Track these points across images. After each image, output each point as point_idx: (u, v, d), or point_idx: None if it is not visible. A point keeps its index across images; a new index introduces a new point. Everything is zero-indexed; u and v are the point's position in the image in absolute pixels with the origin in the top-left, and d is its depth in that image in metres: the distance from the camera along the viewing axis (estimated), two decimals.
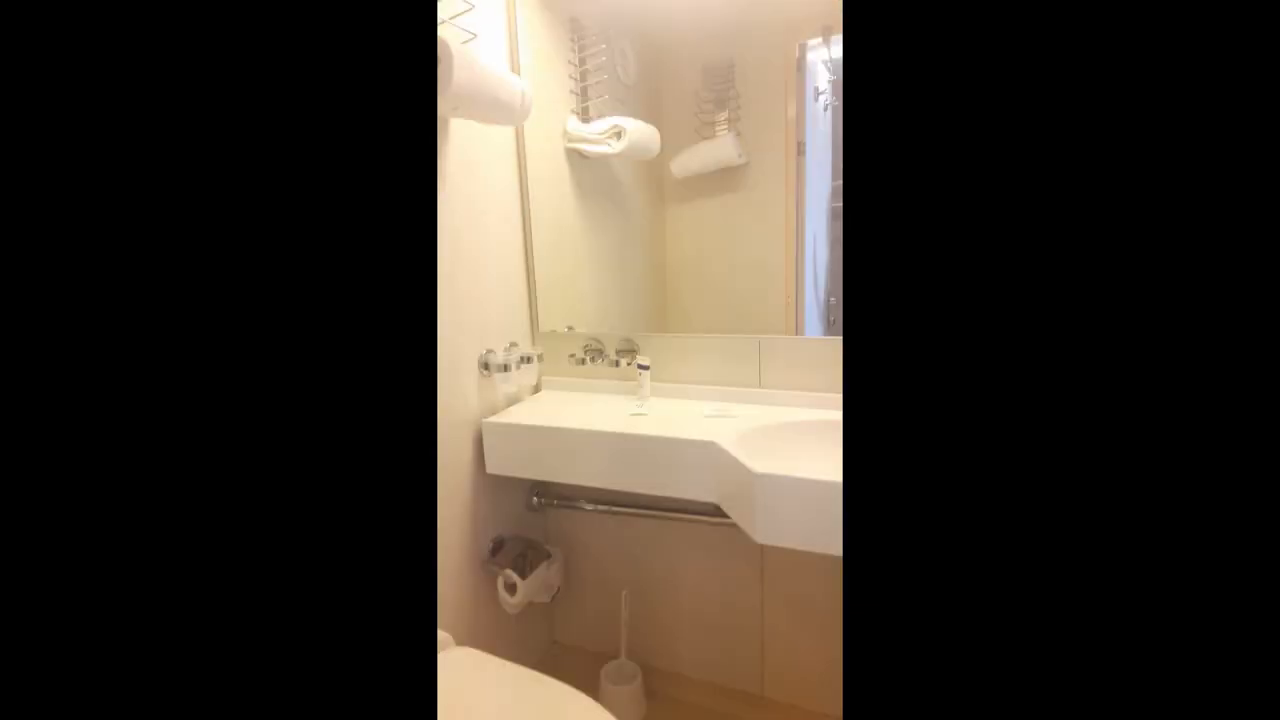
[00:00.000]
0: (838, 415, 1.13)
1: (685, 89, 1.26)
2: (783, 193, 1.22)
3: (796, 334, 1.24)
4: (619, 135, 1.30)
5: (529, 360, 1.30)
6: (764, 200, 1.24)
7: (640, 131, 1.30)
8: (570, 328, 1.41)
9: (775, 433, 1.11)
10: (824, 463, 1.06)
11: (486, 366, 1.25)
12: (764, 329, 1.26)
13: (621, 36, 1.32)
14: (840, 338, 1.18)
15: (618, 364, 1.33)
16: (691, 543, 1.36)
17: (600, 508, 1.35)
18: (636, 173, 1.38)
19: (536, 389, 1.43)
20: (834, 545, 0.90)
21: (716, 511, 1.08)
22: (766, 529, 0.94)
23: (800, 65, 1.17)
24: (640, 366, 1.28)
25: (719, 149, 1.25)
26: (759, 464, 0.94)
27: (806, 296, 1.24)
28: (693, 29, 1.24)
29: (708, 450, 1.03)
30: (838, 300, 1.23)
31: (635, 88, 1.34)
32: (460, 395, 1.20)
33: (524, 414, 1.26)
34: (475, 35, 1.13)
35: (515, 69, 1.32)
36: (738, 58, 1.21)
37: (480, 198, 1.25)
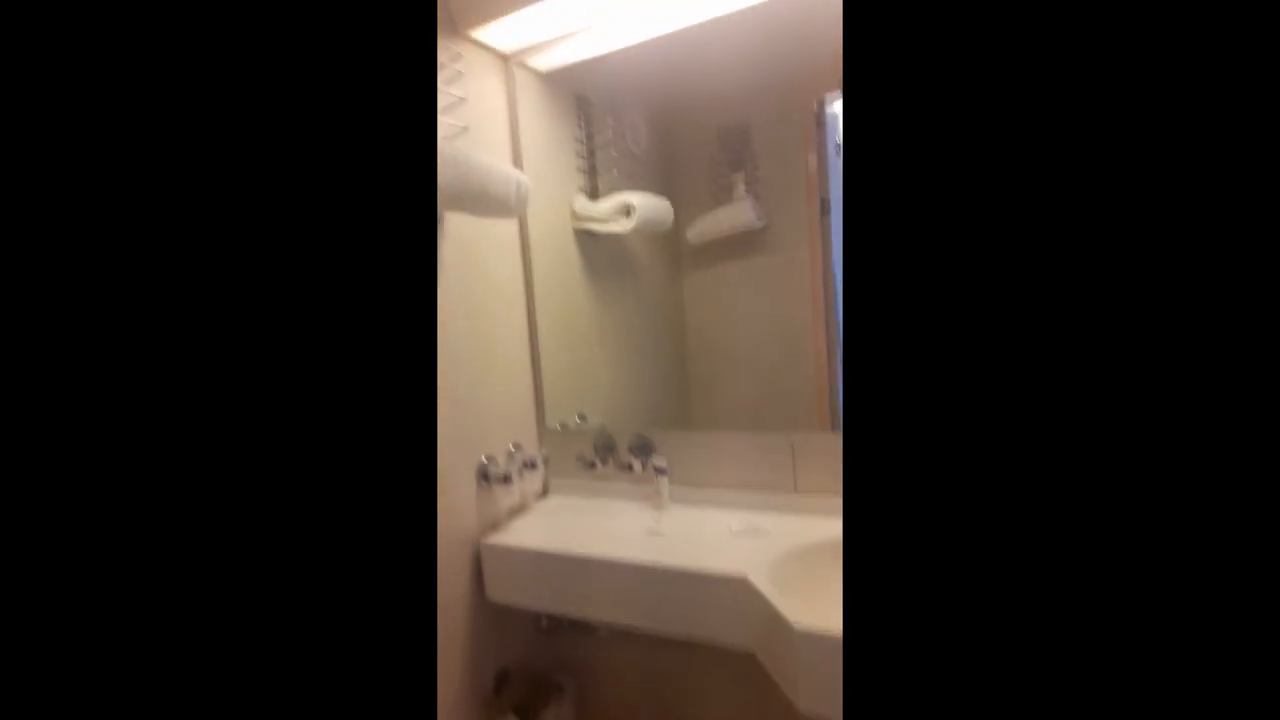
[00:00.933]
0: None
1: (699, 153, 1.15)
2: (808, 255, 1.08)
3: (833, 420, 1.06)
4: (628, 213, 1.18)
5: (533, 466, 1.15)
6: (788, 264, 1.10)
7: (650, 206, 1.18)
8: (582, 416, 1.26)
9: (816, 557, 0.93)
10: None
11: (486, 477, 1.10)
12: (796, 415, 1.09)
13: (630, 108, 1.22)
14: None
15: (631, 467, 1.16)
16: (725, 674, 1.15)
17: (619, 630, 1.16)
18: (651, 245, 1.25)
19: (544, 493, 1.27)
20: None
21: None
22: (812, 695, 0.75)
23: (820, 120, 1.06)
24: (657, 470, 1.11)
25: (737, 213, 1.13)
26: (800, 611, 0.75)
27: (840, 373, 1.08)
28: (705, 92, 1.14)
29: (738, 589, 0.85)
30: None
31: (647, 158, 1.22)
32: (456, 511, 1.05)
33: (528, 532, 1.10)
34: (465, 128, 1.04)
35: (516, 155, 1.23)
36: (753, 117, 1.10)
37: (480, 290, 1.13)
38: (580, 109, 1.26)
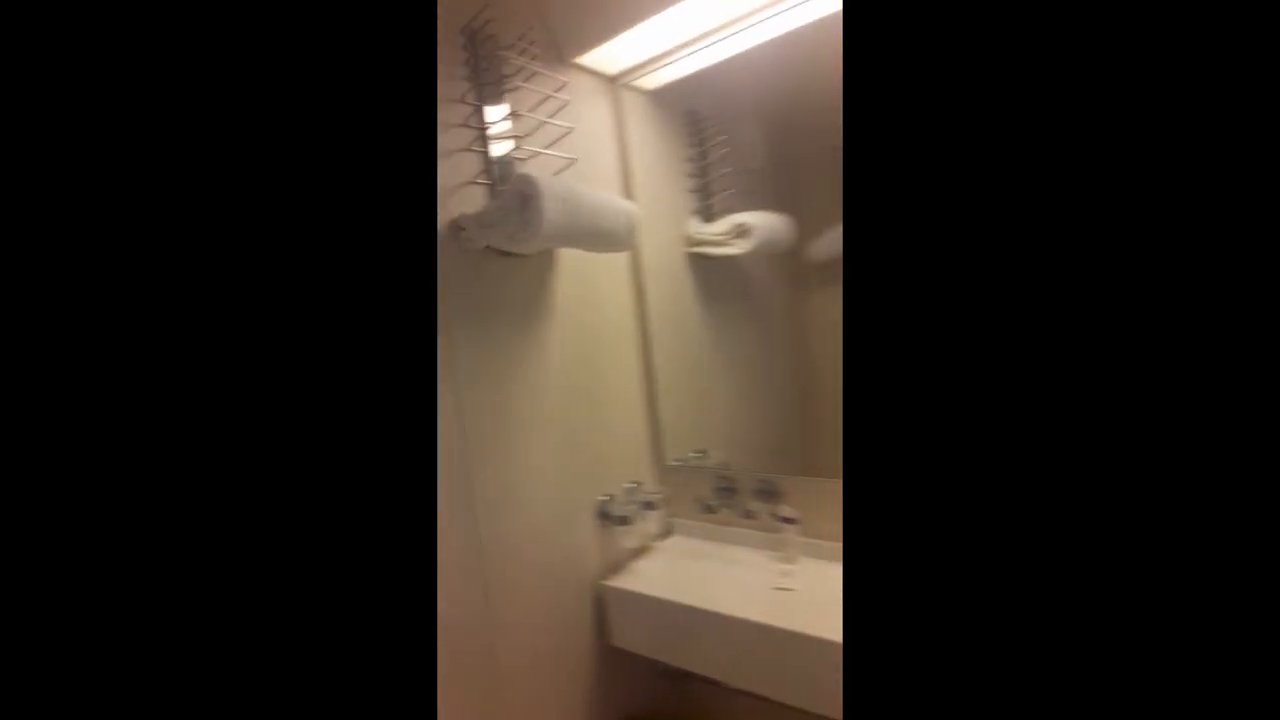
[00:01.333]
0: None
1: (822, 164, 1.04)
2: None
3: None
4: (744, 234, 1.09)
5: (651, 506, 1.10)
6: None
7: (767, 225, 1.08)
8: (702, 451, 1.19)
9: None
10: None
11: (605, 516, 1.07)
12: None
13: (745, 120, 1.13)
14: None
15: (754, 514, 1.07)
16: None
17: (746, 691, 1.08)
18: (771, 267, 1.15)
19: (665, 534, 1.21)
20: None
21: None
22: None
23: None
24: (785, 520, 1.01)
25: None
26: None
27: None
28: (825, 96, 1.02)
29: None
30: None
31: (764, 173, 1.12)
32: (577, 551, 1.03)
33: (649, 577, 1.05)
34: (574, 160, 1.00)
35: (626, 181, 1.18)
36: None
37: (594, 322, 1.10)
38: (691, 125, 1.18)
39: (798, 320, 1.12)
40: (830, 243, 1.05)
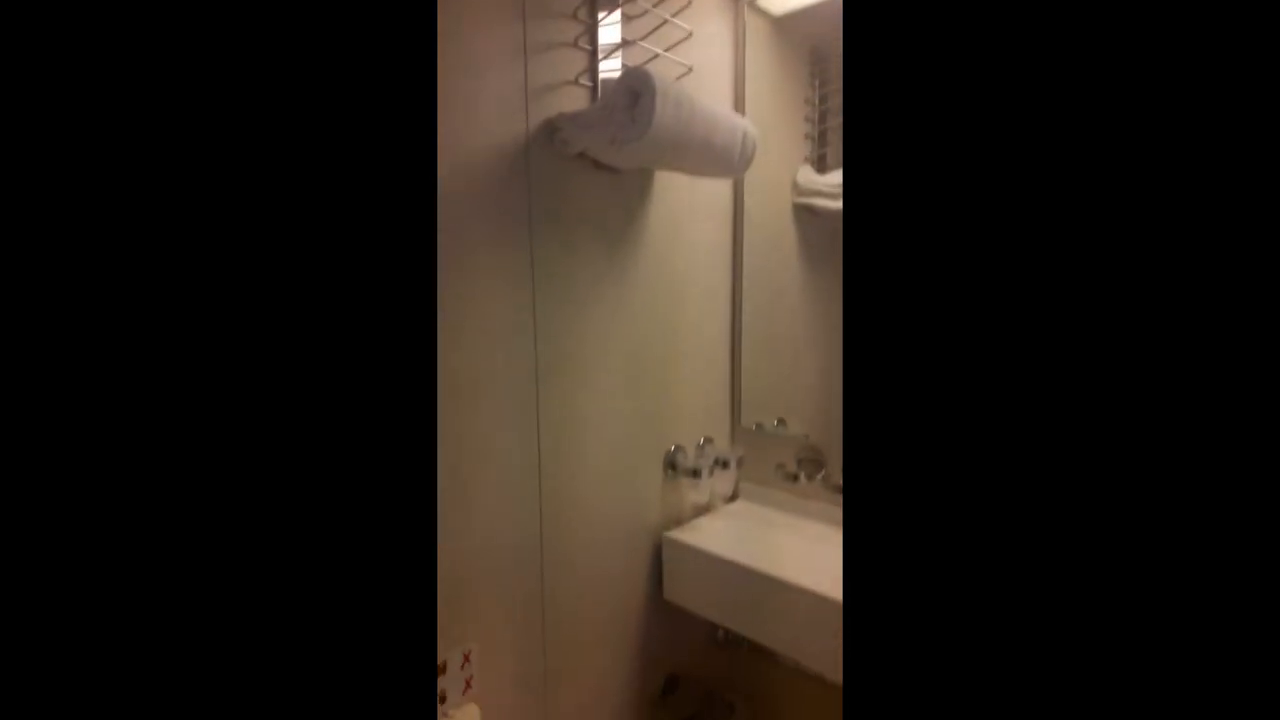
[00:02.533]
0: None
1: None
2: None
3: None
4: None
5: (725, 465, 1.00)
6: None
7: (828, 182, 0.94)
8: (781, 421, 1.08)
9: None
10: None
11: (673, 467, 0.98)
12: None
13: None
14: None
15: (837, 488, 0.95)
16: None
17: (803, 667, 0.97)
18: (822, 227, 1.02)
19: (733, 497, 1.11)
20: None
21: None
22: None
23: None
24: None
25: None
26: None
27: None
28: None
29: None
30: None
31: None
32: (639, 499, 0.95)
33: (713, 534, 0.95)
34: (690, 69, 0.90)
35: (738, 110, 1.06)
36: None
37: (683, 263, 1.00)
38: (815, 63, 1.05)
39: None
40: None
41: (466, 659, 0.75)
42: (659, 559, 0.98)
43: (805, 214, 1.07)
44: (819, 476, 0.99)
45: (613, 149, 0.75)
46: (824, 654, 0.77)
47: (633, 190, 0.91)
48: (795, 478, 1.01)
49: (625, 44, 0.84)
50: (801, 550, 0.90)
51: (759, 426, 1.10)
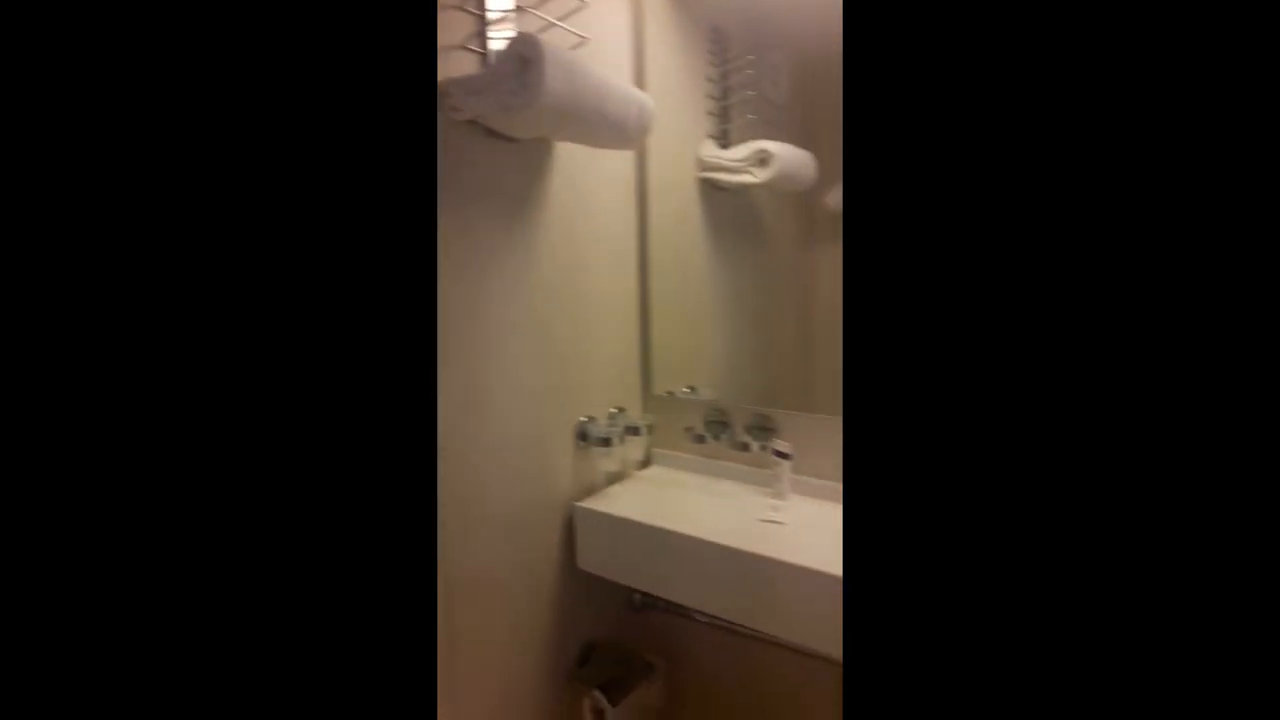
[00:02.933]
0: None
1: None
2: None
3: None
4: (764, 162, 0.99)
5: (636, 432, 1.02)
6: None
7: (790, 157, 0.98)
8: (691, 388, 1.11)
9: None
10: None
11: (584, 437, 0.99)
12: None
13: (773, 49, 1.02)
14: None
15: (747, 447, 0.99)
16: (832, 685, 0.96)
17: (719, 621, 1.01)
18: (783, 207, 1.06)
19: (645, 464, 1.14)
20: None
21: None
22: None
23: None
24: (778, 454, 0.93)
25: None
26: None
27: None
28: None
29: None
30: None
31: (788, 108, 1.03)
32: (550, 470, 0.95)
33: (625, 500, 0.97)
34: (585, 39, 0.90)
35: (638, 83, 1.07)
36: None
37: (588, 235, 1.01)
38: (715, 43, 1.08)
39: (807, 267, 1.04)
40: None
41: None
42: (572, 530, 0.99)
43: (710, 188, 1.10)
44: (724, 436, 1.03)
45: (505, 116, 0.74)
46: (739, 605, 0.81)
47: (533, 160, 0.90)
48: (703, 439, 1.04)
49: (518, 10, 0.83)
50: (711, 507, 0.93)
51: (670, 394, 1.13)
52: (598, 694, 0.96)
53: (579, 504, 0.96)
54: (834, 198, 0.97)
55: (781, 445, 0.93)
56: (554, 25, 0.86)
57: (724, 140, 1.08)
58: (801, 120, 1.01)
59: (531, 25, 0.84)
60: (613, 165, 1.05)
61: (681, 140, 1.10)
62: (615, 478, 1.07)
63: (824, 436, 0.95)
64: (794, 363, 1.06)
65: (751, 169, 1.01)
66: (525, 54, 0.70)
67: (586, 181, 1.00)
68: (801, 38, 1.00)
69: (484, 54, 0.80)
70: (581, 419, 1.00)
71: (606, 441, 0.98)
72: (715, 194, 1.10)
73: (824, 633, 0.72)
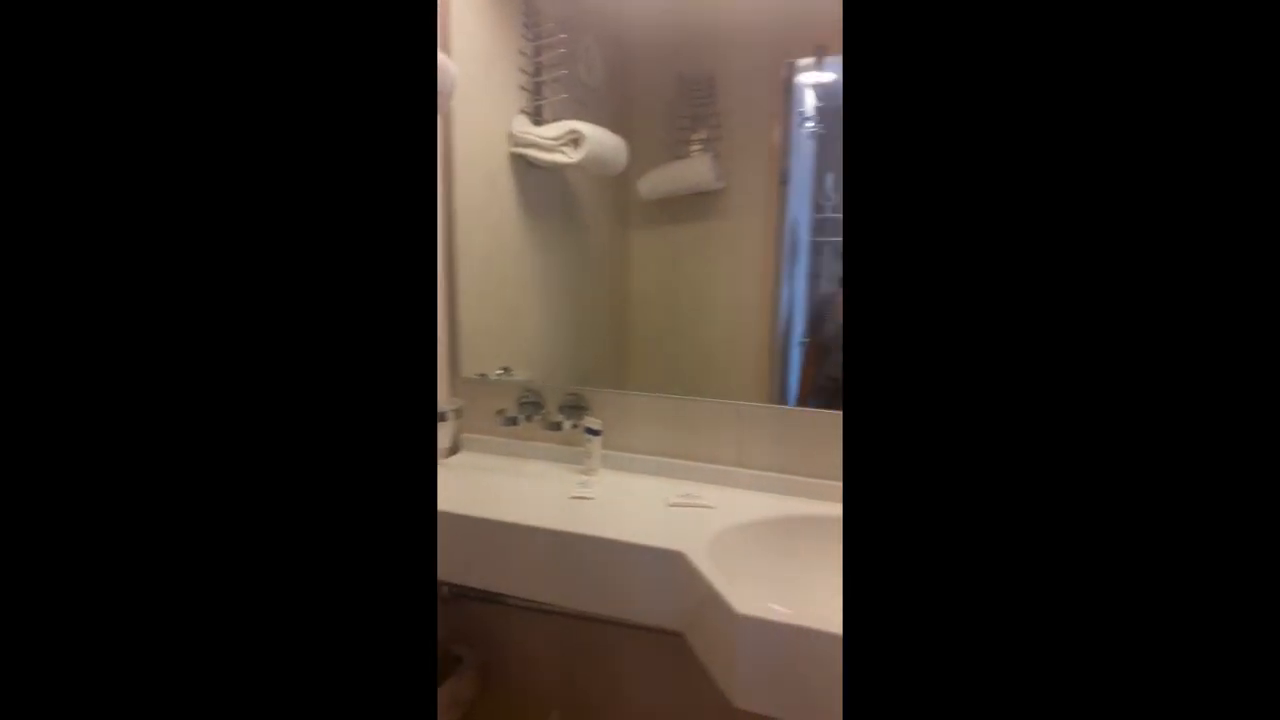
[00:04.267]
0: (836, 510, 0.83)
1: (658, 99, 0.99)
2: (763, 225, 0.96)
3: (780, 399, 0.95)
4: (576, 142, 0.99)
5: (442, 418, 0.94)
6: (743, 232, 0.97)
7: (602, 140, 0.99)
8: (506, 369, 1.07)
9: (763, 536, 0.81)
10: (829, 585, 0.76)
11: None
12: (742, 386, 0.97)
13: (587, 30, 1.01)
14: (829, 413, 0.92)
15: (559, 426, 0.99)
16: (646, 656, 1.02)
17: (534, 604, 1.00)
18: (597, 190, 1.07)
19: (453, 450, 1.07)
20: None
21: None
22: (750, 690, 0.62)
23: (788, 86, 0.92)
24: (590, 431, 0.94)
25: (694, 170, 0.98)
26: (744, 595, 0.63)
27: (793, 352, 0.97)
28: (669, 33, 0.98)
29: (673, 564, 0.71)
30: (834, 365, 0.95)
31: (601, 92, 1.03)
32: None
33: None
34: None
35: (443, 48, 0.98)
36: (719, 71, 0.96)
37: None
38: (529, 15, 1.03)
39: (619, 251, 1.06)
40: (661, 181, 1.00)
41: None
42: None
43: (523, 165, 1.06)
44: (537, 417, 1.01)
45: None
46: (553, 585, 0.80)
47: None
48: (515, 421, 1.01)
49: None
50: (521, 489, 0.91)
51: (482, 376, 1.08)
52: None
53: None
54: (646, 185, 1.01)
55: (592, 422, 0.95)
56: None
57: (537, 117, 1.05)
58: (615, 105, 1.03)
59: None
60: None
61: (492, 111, 1.04)
62: None
63: (636, 412, 0.99)
64: (609, 342, 1.08)
65: (564, 148, 1.00)
66: None
67: None
68: (616, 23, 1.01)
69: None
70: None
71: None
72: (530, 172, 1.06)
73: (642, 605, 0.75)
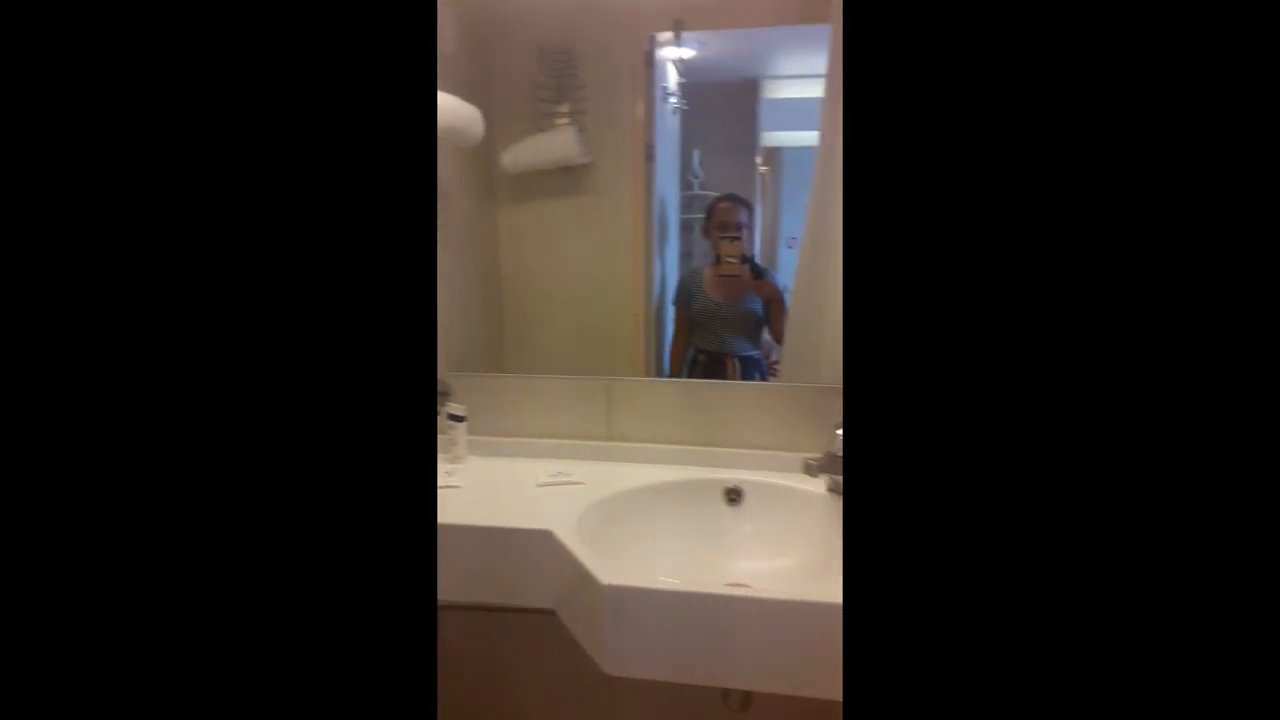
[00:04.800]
0: (703, 474, 0.87)
1: (519, 70, 0.96)
2: (630, 200, 0.96)
3: (653, 373, 0.97)
4: None
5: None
6: (611, 207, 0.98)
7: (456, 109, 0.94)
8: None
9: (628, 505, 0.82)
10: (695, 554, 0.78)
11: None
12: (613, 360, 0.97)
13: None
14: (698, 382, 0.95)
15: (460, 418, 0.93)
16: (523, 638, 1.00)
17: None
18: (460, 163, 1.01)
19: None
20: (720, 673, 0.63)
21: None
22: (619, 655, 0.63)
23: (649, 60, 0.93)
24: (453, 418, 0.90)
25: (558, 143, 0.96)
26: (609, 565, 0.64)
27: (667, 328, 0.98)
28: (525, 0, 0.93)
29: (542, 543, 0.70)
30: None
31: (457, 60, 0.97)
32: None
33: None
34: None
35: None
36: (579, 42, 0.94)
37: None
38: None
39: (487, 230, 1.01)
40: (525, 154, 0.96)
41: None
42: None
43: None
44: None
45: None
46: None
47: None
48: None
49: None
50: None
51: None
52: None
53: None
54: (510, 158, 0.97)
55: (455, 408, 0.90)
56: None
57: None
58: (472, 74, 0.97)
59: None
60: None
61: None
62: None
63: (507, 395, 0.96)
64: (478, 325, 1.03)
65: None
66: None
67: None
68: None
69: None
70: None
71: None
72: None
73: (513, 588, 0.73)
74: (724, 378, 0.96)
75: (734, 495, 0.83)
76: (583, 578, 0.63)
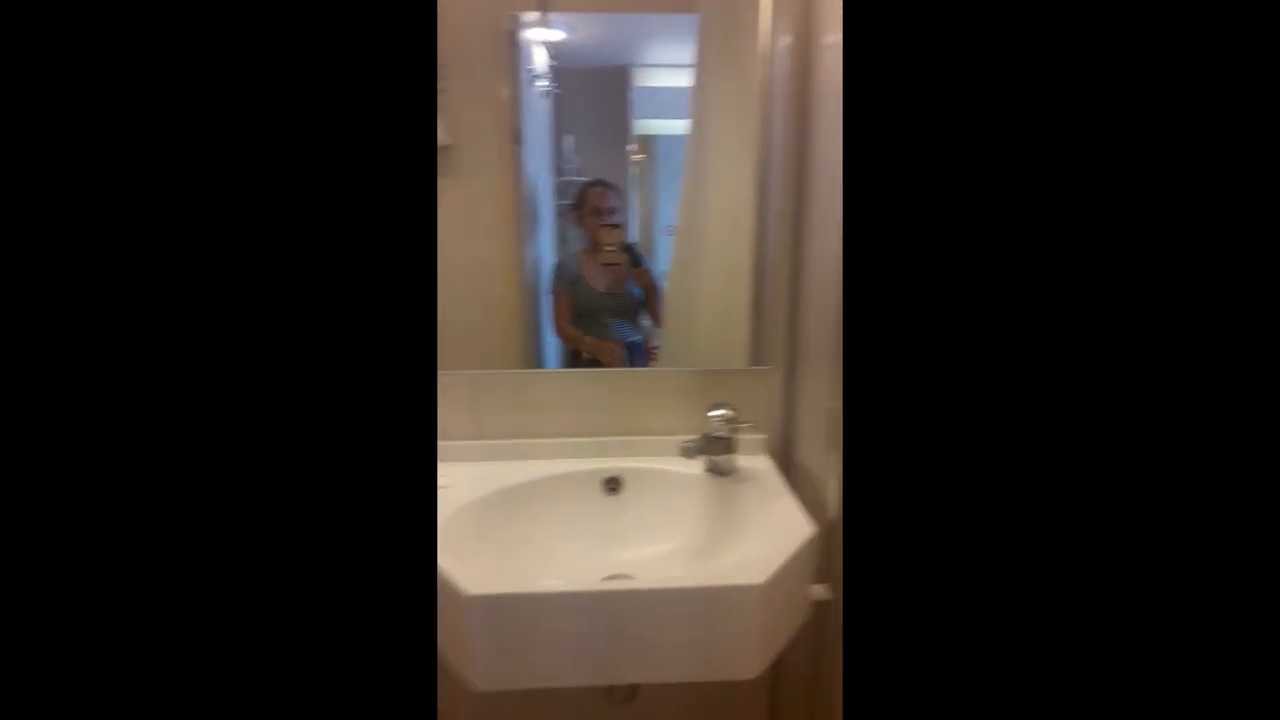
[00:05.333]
0: (579, 465, 0.84)
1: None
2: (499, 185, 0.90)
3: (524, 365, 0.91)
4: None
5: None
6: (479, 192, 0.91)
7: None
8: None
9: (500, 507, 0.76)
10: (575, 549, 0.74)
11: None
12: (484, 353, 0.90)
13: None
14: (574, 372, 0.92)
15: None
16: None
17: None
18: None
19: None
20: (606, 671, 0.59)
21: None
22: (492, 670, 0.58)
23: (513, 41, 0.87)
24: None
25: None
26: (475, 575, 0.58)
27: (543, 315, 0.93)
28: None
29: None
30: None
31: None
32: None
33: None
34: None
35: None
36: (439, 18, 0.85)
37: None
38: None
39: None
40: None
41: None
42: None
43: None
44: None
45: None
46: None
47: None
48: None
49: None
50: None
51: None
52: None
53: None
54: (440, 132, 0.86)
55: None
56: None
57: None
58: None
59: None
60: None
61: None
62: None
63: (450, 393, 0.86)
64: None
65: None
66: None
67: None
68: None
69: None
70: None
71: None
72: None
73: None
74: (608, 365, 0.93)
75: (613, 484, 0.81)
76: (445, 590, 0.57)
